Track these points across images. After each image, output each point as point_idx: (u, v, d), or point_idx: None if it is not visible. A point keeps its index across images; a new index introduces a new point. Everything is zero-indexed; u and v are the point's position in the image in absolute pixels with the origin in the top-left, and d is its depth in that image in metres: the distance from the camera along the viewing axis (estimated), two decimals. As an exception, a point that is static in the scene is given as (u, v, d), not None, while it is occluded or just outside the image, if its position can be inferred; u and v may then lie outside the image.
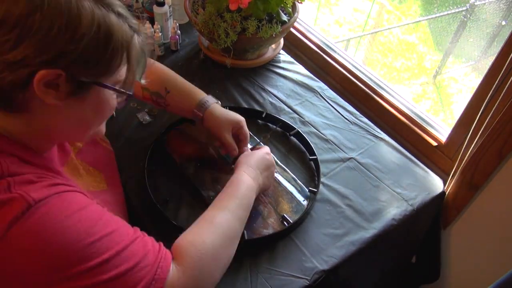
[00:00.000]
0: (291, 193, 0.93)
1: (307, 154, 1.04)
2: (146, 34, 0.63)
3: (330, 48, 1.41)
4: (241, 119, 0.91)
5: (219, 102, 0.95)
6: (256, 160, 0.83)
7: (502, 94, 0.88)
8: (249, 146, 0.97)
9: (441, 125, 1.16)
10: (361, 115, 1.16)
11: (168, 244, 0.83)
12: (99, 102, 0.58)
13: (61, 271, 0.49)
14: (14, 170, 0.51)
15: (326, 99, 1.20)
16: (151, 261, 0.55)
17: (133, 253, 0.54)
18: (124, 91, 0.59)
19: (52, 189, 0.52)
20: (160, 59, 1.29)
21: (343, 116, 1.15)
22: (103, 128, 0.67)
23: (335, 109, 1.17)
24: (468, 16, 2.91)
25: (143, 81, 0.66)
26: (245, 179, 0.78)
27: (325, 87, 1.24)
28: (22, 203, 0.48)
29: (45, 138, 0.59)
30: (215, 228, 0.66)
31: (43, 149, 0.60)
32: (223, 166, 0.96)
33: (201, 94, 0.93)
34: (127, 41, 0.55)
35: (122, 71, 0.58)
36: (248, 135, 0.92)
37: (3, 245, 0.48)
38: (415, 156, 1.07)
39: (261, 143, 1.00)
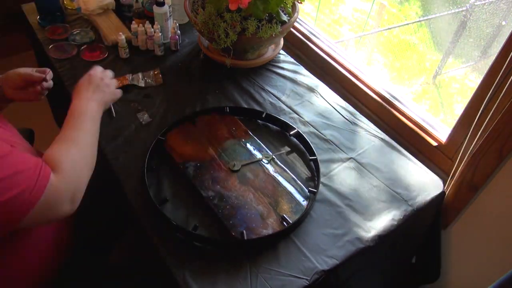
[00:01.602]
0: (291, 193, 0.93)
1: (307, 154, 1.04)
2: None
3: (330, 48, 1.41)
4: (30, 71, 0.90)
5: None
6: (82, 86, 0.90)
7: (502, 94, 0.88)
8: (254, 151, 0.98)
9: (441, 125, 1.16)
10: (361, 115, 1.16)
11: (168, 243, 0.83)
12: None
13: None
14: None
15: (326, 99, 1.20)
16: (32, 168, 0.65)
17: (8, 165, 0.63)
18: None
19: None
20: (160, 59, 1.29)
21: (343, 116, 1.15)
22: None
23: (335, 109, 1.17)
24: (468, 16, 2.91)
25: None
26: (80, 104, 0.85)
27: (325, 87, 1.24)
28: None
29: None
30: (76, 143, 0.77)
31: None
32: (222, 166, 0.96)
33: None
34: None
35: None
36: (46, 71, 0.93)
37: None
38: (415, 156, 1.07)
39: (267, 150, 1.01)
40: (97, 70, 0.95)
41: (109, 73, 0.97)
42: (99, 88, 0.91)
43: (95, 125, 0.85)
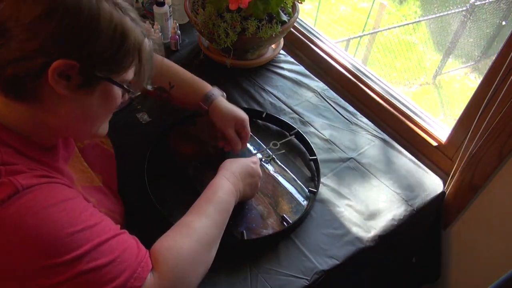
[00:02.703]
0: (291, 193, 0.93)
1: (307, 154, 1.04)
2: (154, 39, 0.67)
3: (330, 48, 1.41)
4: (245, 117, 0.92)
5: (225, 94, 0.95)
6: (239, 167, 0.81)
7: (502, 94, 0.88)
8: (259, 154, 0.98)
9: (441, 125, 1.16)
10: (361, 115, 1.16)
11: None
12: (106, 97, 0.60)
13: (39, 261, 0.48)
14: (7, 160, 0.52)
15: (326, 99, 1.20)
16: (132, 258, 0.55)
17: (113, 248, 0.54)
18: (131, 90, 0.62)
19: (41, 179, 0.53)
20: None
21: (343, 116, 1.15)
22: (106, 127, 0.69)
23: (335, 109, 1.17)
24: (468, 16, 2.91)
25: (149, 87, 0.69)
26: (224, 184, 0.76)
27: (325, 87, 1.24)
28: (10, 188, 0.49)
29: (50, 131, 0.59)
30: (193, 233, 0.65)
31: (47, 143, 0.61)
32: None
33: (207, 87, 0.94)
34: (139, 43, 0.59)
35: (131, 71, 0.61)
36: (249, 134, 0.93)
37: None
38: (415, 156, 1.07)
39: (267, 150, 1.00)
40: (258, 166, 0.86)
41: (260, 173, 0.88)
42: (250, 186, 0.82)
43: (226, 219, 0.73)
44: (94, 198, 0.70)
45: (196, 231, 0.65)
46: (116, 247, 0.54)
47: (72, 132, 0.65)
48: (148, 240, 0.85)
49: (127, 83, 0.61)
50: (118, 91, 0.61)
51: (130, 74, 0.61)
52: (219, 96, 0.93)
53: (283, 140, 1.03)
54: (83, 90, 0.56)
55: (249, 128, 0.92)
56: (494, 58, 0.93)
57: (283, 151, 1.02)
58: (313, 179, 0.98)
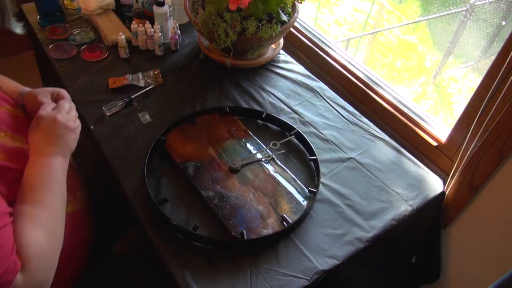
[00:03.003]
0: (291, 193, 0.93)
1: (307, 154, 1.04)
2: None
3: (330, 48, 1.41)
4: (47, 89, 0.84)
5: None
6: (33, 134, 0.76)
7: (502, 94, 0.88)
8: (258, 154, 0.98)
9: (441, 125, 1.16)
10: (361, 115, 1.16)
11: (168, 243, 0.83)
12: None
13: None
14: None
15: (326, 99, 1.20)
16: (6, 256, 0.57)
17: None
18: None
19: None
20: (160, 59, 1.29)
21: (343, 116, 1.15)
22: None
23: (335, 109, 1.17)
24: (468, 16, 2.91)
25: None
26: (48, 162, 0.73)
27: (325, 87, 1.24)
28: None
29: None
30: (41, 223, 0.66)
31: None
32: (222, 166, 0.96)
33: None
34: None
35: None
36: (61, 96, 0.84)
37: None
38: (415, 156, 1.07)
39: (267, 150, 1.00)
40: (63, 113, 0.77)
41: (74, 112, 0.82)
42: (63, 138, 0.76)
43: (63, 188, 0.73)
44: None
45: (42, 219, 0.67)
46: None
47: None
48: (148, 240, 0.85)
49: None
50: None
51: None
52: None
53: (283, 140, 1.03)
54: None
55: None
56: (494, 58, 0.93)
57: (283, 151, 1.02)
58: (313, 179, 0.98)
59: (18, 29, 0.82)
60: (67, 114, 0.78)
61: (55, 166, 0.73)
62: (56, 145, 0.75)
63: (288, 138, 1.05)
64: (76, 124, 0.80)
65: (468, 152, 0.98)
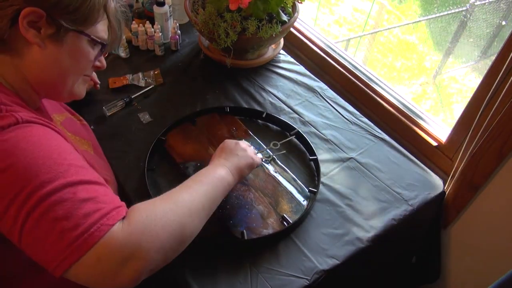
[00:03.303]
0: (291, 193, 0.93)
1: (307, 154, 1.04)
2: (122, 4, 0.72)
3: (330, 48, 1.41)
4: None
5: None
6: (218, 150, 0.83)
7: (502, 94, 0.88)
8: (259, 154, 0.98)
9: (441, 125, 1.16)
10: (361, 115, 1.16)
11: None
12: (76, 50, 0.65)
13: (26, 184, 0.51)
14: (5, 101, 0.57)
15: (326, 99, 1.20)
16: (110, 202, 0.55)
17: (96, 190, 0.55)
18: (99, 41, 0.67)
19: (40, 120, 0.58)
20: (160, 59, 1.29)
21: (343, 116, 1.15)
22: (83, 89, 0.74)
23: (335, 109, 1.17)
24: (468, 16, 2.91)
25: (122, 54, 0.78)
26: (207, 168, 0.76)
27: (325, 87, 1.24)
28: (11, 119, 0.54)
29: (31, 87, 0.65)
30: (169, 197, 0.64)
31: (33, 104, 0.67)
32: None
33: None
34: (102, 2, 0.65)
35: (101, 29, 0.67)
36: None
37: None
38: (415, 156, 1.07)
39: (268, 150, 1.00)
40: (239, 142, 0.85)
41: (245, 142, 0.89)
42: (232, 153, 0.81)
43: (212, 192, 0.70)
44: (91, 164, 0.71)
45: (173, 195, 0.64)
46: (99, 190, 0.56)
47: (49, 88, 0.68)
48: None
49: (100, 40, 0.67)
50: (87, 45, 0.66)
51: (100, 32, 0.66)
52: None
53: (283, 140, 1.03)
54: (52, 39, 0.61)
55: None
56: (494, 58, 0.93)
57: (284, 151, 1.02)
58: (313, 179, 0.98)
59: (122, 53, 0.98)
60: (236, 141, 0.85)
61: (215, 171, 0.75)
62: (227, 160, 0.79)
63: (289, 138, 1.05)
64: (248, 147, 0.86)
65: (468, 152, 0.98)
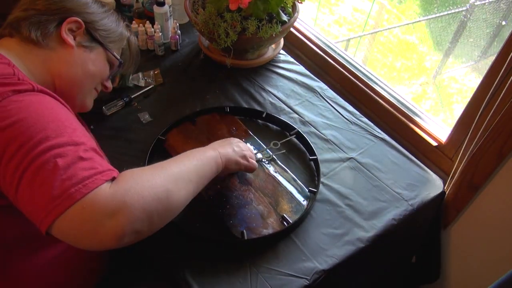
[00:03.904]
0: (291, 193, 0.93)
1: (307, 154, 1.04)
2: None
3: (330, 48, 1.41)
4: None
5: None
6: (222, 140, 0.87)
7: (502, 94, 0.88)
8: (254, 151, 0.98)
9: (441, 125, 1.16)
10: (361, 115, 1.16)
11: (168, 243, 0.83)
12: (99, 61, 0.82)
13: (28, 138, 0.55)
14: (23, 77, 0.64)
15: (326, 99, 1.20)
16: (103, 166, 0.58)
17: (93, 155, 0.59)
18: (119, 58, 0.86)
19: (54, 95, 0.65)
20: (160, 59, 1.29)
21: (343, 116, 1.15)
22: (90, 103, 0.88)
23: (335, 109, 1.17)
24: (468, 16, 2.91)
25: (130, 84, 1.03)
26: (205, 149, 0.78)
27: (325, 87, 1.24)
28: (28, 86, 0.62)
29: (52, 83, 0.76)
30: (159, 167, 0.65)
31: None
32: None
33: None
34: (127, 34, 0.90)
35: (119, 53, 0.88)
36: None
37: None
38: (415, 156, 1.07)
39: (268, 150, 1.00)
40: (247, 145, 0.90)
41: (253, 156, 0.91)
42: (228, 144, 0.84)
43: (201, 168, 0.71)
44: None
45: (161, 165, 0.66)
46: (97, 156, 0.59)
47: (67, 87, 0.78)
48: (148, 239, 0.85)
49: (117, 63, 0.87)
50: (106, 62, 0.84)
51: (119, 55, 0.87)
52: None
53: (283, 140, 1.03)
54: (84, 46, 0.78)
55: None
56: (494, 58, 0.93)
57: (283, 151, 1.02)
58: (313, 179, 0.98)
59: (130, 84, 1.14)
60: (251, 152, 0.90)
61: (206, 151, 0.77)
62: (220, 147, 0.81)
63: (288, 138, 1.05)
64: (251, 158, 0.87)
65: (468, 152, 0.98)
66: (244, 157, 0.86)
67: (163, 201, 0.60)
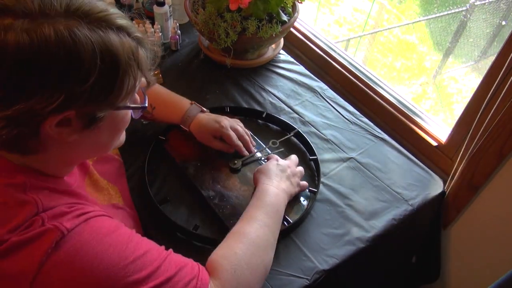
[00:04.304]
0: (291, 193, 0.93)
1: (307, 154, 1.04)
2: (151, 39, 0.66)
3: (330, 48, 1.41)
4: (218, 127, 0.93)
5: (204, 109, 0.98)
6: (270, 170, 0.84)
7: (502, 94, 0.88)
8: (258, 153, 0.98)
9: (441, 125, 1.16)
10: (361, 115, 1.16)
11: (168, 243, 0.83)
12: (115, 124, 0.57)
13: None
14: (46, 205, 0.51)
15: (326, 99, 1.20)
16: (190, 272, 0.56)
17: (170, 266, 0.55)
18: (139, 106, 0.59)
19: (81, 217, 0.52)
20: (160, 59, 1.29)
21: (343, 116, 1.15)
22: (123, 137, 0.65)
23: (335, 109, 1.17)
24: (468, 16, 2.91)
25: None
26: (268, 188, 0.79)
27: (325, 87, 1.24)
28: (56, 233, 0.49)
29: (69, 165, 0.61)
30: (244, 238, 0.66)
31: (64, 174, 0.61)
32: (223, 166, 0.96)
33: (184, 107, 0.96)
34: (135, 56, 0.52)
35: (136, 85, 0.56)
36: (233, 135, 0.94)
37: (42, 278, 0.47)
38: (415, 156, 1.07)
39: (267, 149, 1.00)
40: (283, 161, 0.89)
41: (294, 158, 0.92)
42: (286, 177, 0.84)
43: (278, 221, 0.75)
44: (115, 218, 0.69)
45: (247, 235, 0.67)
46: (171, 266, 0.55)
47: (88, 158, 0.69)
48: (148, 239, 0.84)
49: (134, 99, 0.58)
50: (126, 113, 0.58)
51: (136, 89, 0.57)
52: (195, 114, 0.95)
53: (282, 138, 1.03)
54: (89, 129, 0.52)
55: (228, 132, 0.93)
56: (494, 58, 0.93)
57: (282, 149, 1.02)
58: (314, 179, 0.98)
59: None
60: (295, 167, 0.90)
61: (276, 193, 0.78)
62: (279, 179, 0.82)
63: (287, 136, 1.05)
64: (298, 170, 0.90)
65: (468, 152, 0.98)
66: (297, 183, 0.88)
67: (263, 275, 0.66)
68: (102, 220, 0.54)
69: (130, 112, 0.59)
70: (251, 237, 0.66)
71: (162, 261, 0.55)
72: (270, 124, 1.11)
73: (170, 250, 0.60)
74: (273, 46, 1.33)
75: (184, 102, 0.97)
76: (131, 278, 0.50)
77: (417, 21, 3.64)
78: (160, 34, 1.26)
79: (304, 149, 1.05)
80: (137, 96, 0.60)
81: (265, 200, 0.75)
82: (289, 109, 1.15)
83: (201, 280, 0.56)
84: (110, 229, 0.54)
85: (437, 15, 3.21)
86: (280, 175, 0.83)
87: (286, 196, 0.81)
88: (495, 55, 0.93)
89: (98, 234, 0.52)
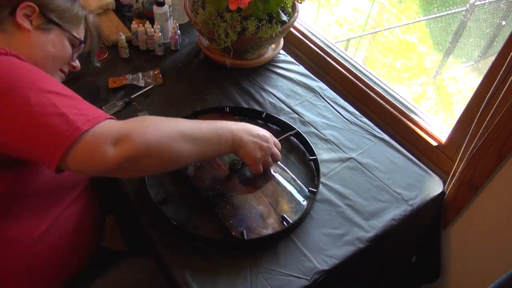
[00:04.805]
0: (291, 193, 0.93)
1: (307, 154, 1.04)
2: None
3: (330, 48, 1.41)
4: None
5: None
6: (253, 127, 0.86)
7: (502, 94, 0.88)
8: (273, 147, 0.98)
9: (441, 125, 1.16)
10: (361, 115, 1.16)
11: (168, 243, 0.83)
12: (58, 42, 0.80)
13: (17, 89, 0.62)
14: None
15: (326, 99, 1.20)
16: (95, 109, 0.67)
17: (81, 100, 0.68)
18: (78, 37, 0.83)
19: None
20: (160, 59, 1.29)
21: (343, 116, 1.15)
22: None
23: (335, 109, 1.17)
24: (468, 16, 2.91)
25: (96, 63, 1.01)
26: (228, 125, 0.80)
27: (325, 87, 1.24)
28: (1, 50, 0.67)
29: (20, 55, 0.75)
30: (172, 120, 0.72)
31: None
32: (223, 166, 0.96)
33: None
34: (83, 13, 0.85)
35: (81, 33, 0.85)
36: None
37: None
38: (415, 156, 1.07)
39: None
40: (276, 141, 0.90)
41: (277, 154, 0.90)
42: (252, 135, 0.83)
43: (213, 138, 0.76)
44: None
45: (177, 119, 0.73)
46: (83, 101, 0.68)
47: (32, 62, 0.78)
48: (148, 240, 0.85)
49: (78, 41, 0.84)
50: (67, 42, 0.82)
51: (79, 34, 0.84)
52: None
53: (281, 137, 1.03)
54: (41, 28, 0.77)
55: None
56: (494, 58, 0.93)
57: (281, 149, 1.02)
58: (313, 179, 0.98)
59: (97, 63, 1.06)
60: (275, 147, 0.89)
61: (224, 125, 0.79)
62: (245, 134, 0.82)
63: (286, 135, 1.05)
64: (274, 139, 0.89)
65: (468, 152, 0.98)
66: (267, 143, 0.86)
67: (164, 145, 0.67)
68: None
69: (69, 47, 0.83)
70: (178, 120, 0.73)
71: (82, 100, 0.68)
72: (269, 124, 1.11)
73: None
74: (273, 46, 1.33)
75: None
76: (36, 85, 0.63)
77: (417, 21, 3.64)
78: (160, 34, 1.26)
79: (304, 149, 1.05)
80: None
81: (212, 125, 0.77)
82: (288, 109, 1.15)
83: (101, 115, 0.66)
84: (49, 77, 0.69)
85: (437, 15, 3.21)
86: (246, 131, 0.83)
87: (237, 133, 0.80)
88: (495, 55, 0.92)
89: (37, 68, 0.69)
